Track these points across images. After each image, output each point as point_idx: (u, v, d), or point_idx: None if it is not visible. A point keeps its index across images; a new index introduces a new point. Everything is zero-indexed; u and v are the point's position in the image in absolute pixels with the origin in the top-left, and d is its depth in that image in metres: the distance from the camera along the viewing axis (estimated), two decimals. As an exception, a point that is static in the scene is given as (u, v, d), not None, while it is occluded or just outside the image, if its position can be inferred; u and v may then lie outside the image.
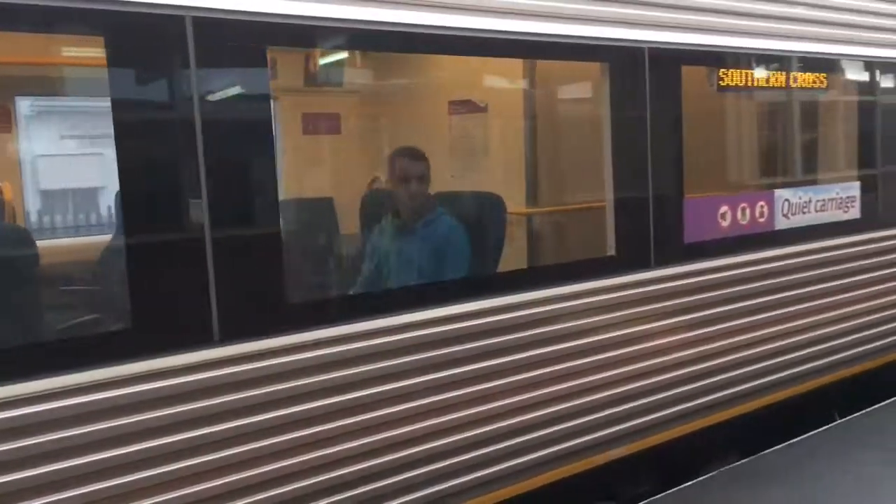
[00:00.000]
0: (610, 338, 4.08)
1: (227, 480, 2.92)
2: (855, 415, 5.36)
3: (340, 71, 6.12)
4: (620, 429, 4.11)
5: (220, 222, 2.89)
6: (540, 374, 3.78)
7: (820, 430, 5.07)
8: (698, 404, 4.50)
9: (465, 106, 5.62)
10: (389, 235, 4.14)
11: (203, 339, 2.86)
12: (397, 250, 4.06)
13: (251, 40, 2.96)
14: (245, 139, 3.03)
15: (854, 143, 5.72)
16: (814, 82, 5.24)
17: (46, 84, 5.34)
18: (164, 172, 2.84)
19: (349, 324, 3.20)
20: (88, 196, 14.39)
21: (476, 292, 3.63)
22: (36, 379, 2.54)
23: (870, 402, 5.59)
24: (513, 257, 4.49)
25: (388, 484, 3.30)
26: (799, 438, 4.93)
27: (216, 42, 2.85)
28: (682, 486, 4.28)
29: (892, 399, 5.63)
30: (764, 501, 4.17)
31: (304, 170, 6.36)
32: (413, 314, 3.38)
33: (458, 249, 3.97)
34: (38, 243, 4.03)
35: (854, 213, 5.44)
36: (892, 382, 6.13)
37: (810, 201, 5.20)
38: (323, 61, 5.87)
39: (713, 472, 4.39)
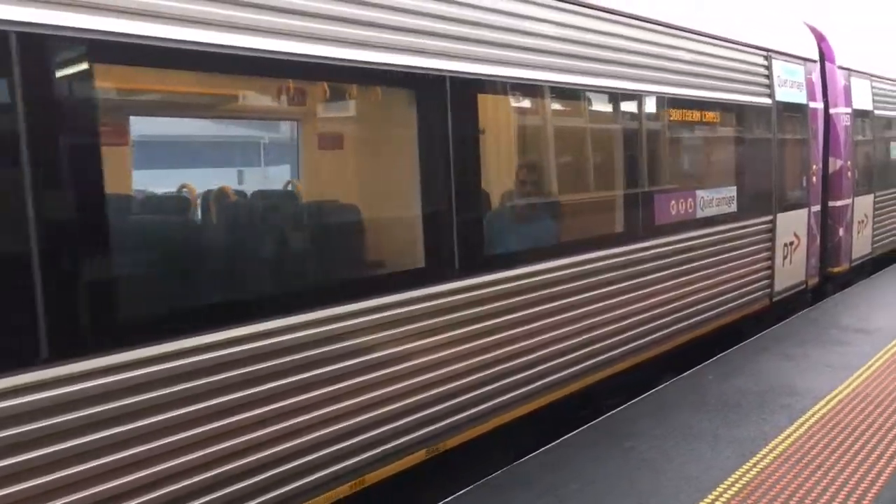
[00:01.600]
0: (423, 344, 4.36)
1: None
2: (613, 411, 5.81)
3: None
4: (423, 432, 4.40)
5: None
6: (349, 385, 3.97)
7: (577, 430, 5.42)
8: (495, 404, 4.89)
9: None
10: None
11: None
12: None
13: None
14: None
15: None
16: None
17: None
18: None
19: (170, 342, 3.22)
20: None
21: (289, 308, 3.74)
22: None
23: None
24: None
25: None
26: (556, 442, 5.24)
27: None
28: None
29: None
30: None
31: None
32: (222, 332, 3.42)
33: None
34: None
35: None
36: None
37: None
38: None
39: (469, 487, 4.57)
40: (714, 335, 7.34)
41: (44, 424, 2.81)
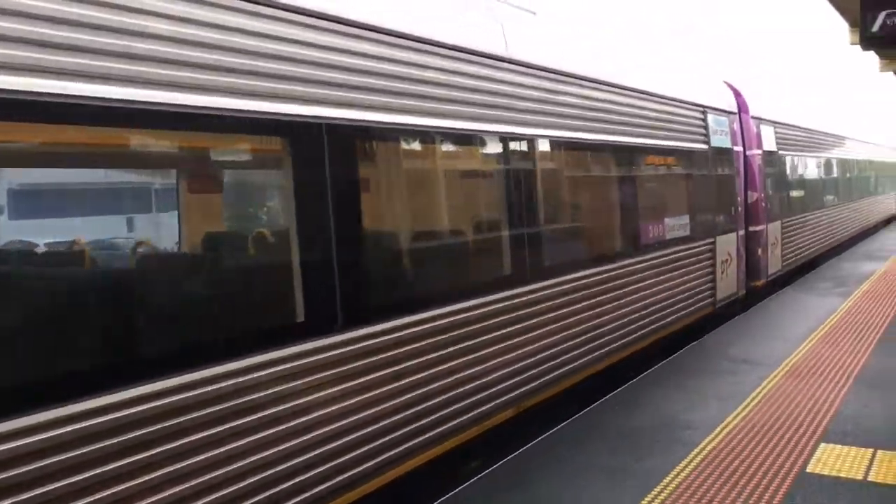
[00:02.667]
0: (310, 400, 4.25)
1: None
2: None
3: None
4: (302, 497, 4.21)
5: None
6: (229, 449, 3.80)
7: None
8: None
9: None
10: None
11: None
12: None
13: None
14: None
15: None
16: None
17: None
18: None
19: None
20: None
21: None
22: None
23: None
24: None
25: None
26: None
27: None
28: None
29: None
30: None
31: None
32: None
33: None
34: None
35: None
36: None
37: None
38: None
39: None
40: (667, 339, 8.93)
41: None
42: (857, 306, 11.21)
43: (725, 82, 12.12)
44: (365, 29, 4.79)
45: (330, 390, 4.41)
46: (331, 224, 4.46)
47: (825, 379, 7.39)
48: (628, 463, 5.52)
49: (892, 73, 15.03)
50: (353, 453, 4.55)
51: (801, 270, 15.03)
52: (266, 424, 4.01)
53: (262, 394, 3.98)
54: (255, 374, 3.95)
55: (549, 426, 6.40)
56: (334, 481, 4.41)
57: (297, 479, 4.16)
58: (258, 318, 4.19)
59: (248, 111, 4.00)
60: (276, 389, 4.05)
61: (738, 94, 12.13)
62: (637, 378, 7.75)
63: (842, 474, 5.20)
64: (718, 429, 6.14)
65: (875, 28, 6.86)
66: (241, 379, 3.87)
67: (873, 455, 5.49)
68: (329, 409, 4.39)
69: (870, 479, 5.11)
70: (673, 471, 5.33)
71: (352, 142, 4.72)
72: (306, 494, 4.24)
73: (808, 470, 5.29)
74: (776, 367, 7.93)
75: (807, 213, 15.78)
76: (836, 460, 5.43)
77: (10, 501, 2.95)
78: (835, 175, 19.34)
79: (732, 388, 7.23)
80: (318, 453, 4.32)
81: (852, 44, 10.78)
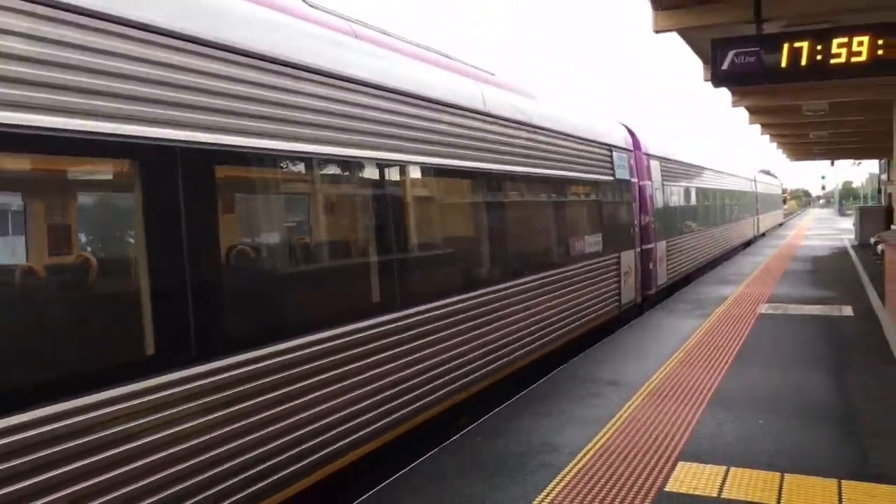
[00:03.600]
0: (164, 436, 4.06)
1: None
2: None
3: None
4: None
5: None
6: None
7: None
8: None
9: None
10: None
11: None
12: None
13: None
14: None
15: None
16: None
17: None
18: None
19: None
20: None
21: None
22: None
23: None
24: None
25: None
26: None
27: None
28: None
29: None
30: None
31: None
32: None
33: None
34: None
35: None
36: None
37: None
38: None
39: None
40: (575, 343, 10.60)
41: None
42: (713, 328, 11.78)
43: (622, 123, 14.49)
44: (215, 48, 4.61)
45: (182, 426, 4.17)
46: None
47: (683, 400, 7.68)
48: (493, 493, 5.50)
49: (743, 109, 16.07)
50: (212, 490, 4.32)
51: (684, 281, 18.20)
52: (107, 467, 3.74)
53: (102, 434, 3.71)
54: (96, 413, 3.68)
55: (418, 455, 6.33)
56: None
57: None
58: (100, 353, 3.90)
59: (88, 132, 3.75)
60: (118, 428, 3.79)
61: (632, 134, 14.54)
62: (506, 404, 7.80)
63: (698, 492, 5.37)
64: (583, 452, 6.23)
65: (725, 66, 7.28)
66: (77, 419, 3.59)
67: (727, 472, 5.70)
68: (180, 448, 4.15)
69: (723, 495, 5.30)
70: (537, 498, 5.35)
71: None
72: None
73: (667, 489, 5.43)
74: (639, 388, 8.19)
75: (685, 235, 18.95)
76: (692, 478, 5.61)
77: None
78: (706, 203, 22.62)
79: (597, 411, 7.39)
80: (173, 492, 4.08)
81: (705, 80, 11.44)
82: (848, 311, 13.24)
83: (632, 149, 14.16)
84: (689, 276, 19.29)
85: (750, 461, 5.92)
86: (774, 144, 28.22)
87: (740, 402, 7.55)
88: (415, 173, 6.84)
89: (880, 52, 6.86)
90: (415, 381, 6.54)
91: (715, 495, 5.31)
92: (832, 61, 6.98)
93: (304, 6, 6.20)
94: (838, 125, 19.01)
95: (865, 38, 6.83)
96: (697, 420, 6.99)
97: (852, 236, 32.53)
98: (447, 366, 7.07)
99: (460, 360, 7.32)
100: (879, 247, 20.75)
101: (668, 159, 17.15)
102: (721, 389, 8.05)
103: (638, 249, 14.02)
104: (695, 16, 8.11)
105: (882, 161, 34.35)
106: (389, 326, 6.19)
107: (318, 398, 5.32)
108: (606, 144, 12.51)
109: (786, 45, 7.12)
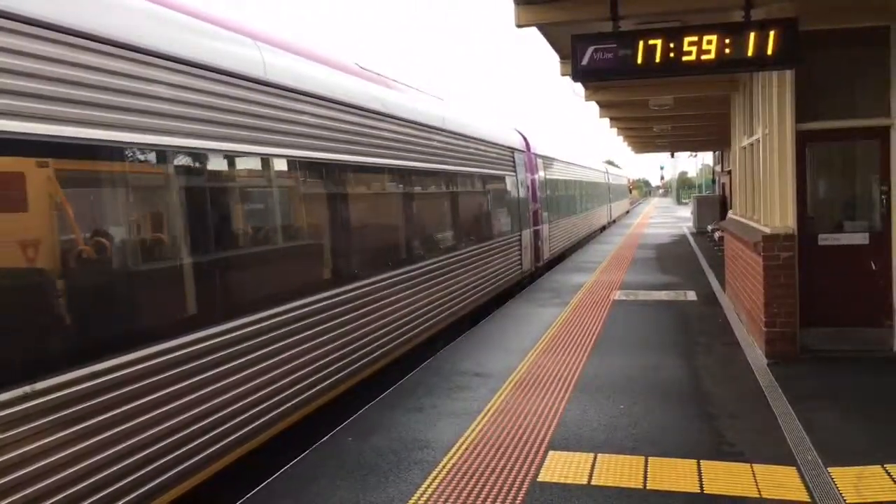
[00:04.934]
0: None
1: None
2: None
3: None
4: None
5: None
6: None
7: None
8: None
9: None
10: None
11: None
12: None
13: None
14: None
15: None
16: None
17: None
18: None
19: None
20: None
21: None
22: None
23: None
24: None
25: None
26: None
27: None
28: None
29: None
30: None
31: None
32: None
33: None
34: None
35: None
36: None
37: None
38: None
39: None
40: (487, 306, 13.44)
41: None
42: (571, 316, 12.15)
43: (517, 129, 18.18)
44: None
45: None
46: None
47: (549, 388, 7.84)
48: (368, 494, 5.37)
49: (594, 103, 16.65)
50: None
51: (559, 259, 22.00)
52: None
53: None
54: None
55: (290, 458, 6.10)
56: None
57: None
58: None
59: None
60: None
61: (525, 137, 18.25)
62: (373, 402, 7.67)
63: (569, 480, 5.46)
64: (455, 447, 6.21)
65: (584, 61, 7.43)
66: None
67: (594, 459, 5.84)
68: None
69: (593, 482, 5.41)
70: (413, 497, 5.26)
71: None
72: None
73: (539, 479, 5.50)
74: (506, 379, 8.28)
75: (561, 220, 22.84)
76: (563, 467, 5.70)
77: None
78: (574, 193, 26.99)
79: (466, 404, 7.40)
80: None
81: (563, 75, 11.73)
82: (692, 295, 14.04)
83: (525, 150, 17.65)
84: (563, 253, 23.05)
85: (616, 447, 6.09)
86: (621, 137, 29.61)
87: (602, 388, 7.79)
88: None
89: (727, 50, 7.24)
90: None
91: (585, 483, 5.42)
92: (684, 59, 7.30)
93: None
94: (680, 119, 20.13)
95: (714, 38, 7.18)
96: (564, 408, 7.14)
97: (691, 224, 34.66)
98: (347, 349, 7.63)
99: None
100: (716, 234, 22.20)
101: (548, 157, 21.04)
102: (584, 376, 8.28)
103: (531, 230, 17.78)
104: (555, 12, 8.25)
105: (716, 153, 36.79)
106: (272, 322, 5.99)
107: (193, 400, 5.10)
108: (510, 148, 16.09)
109: (641, 43, 7.37)
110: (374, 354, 8.26)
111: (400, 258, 9.32)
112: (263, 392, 6.08)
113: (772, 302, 8.59)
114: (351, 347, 7.64)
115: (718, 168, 35.36)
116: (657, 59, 7.35)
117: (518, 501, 5.13)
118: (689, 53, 7.27)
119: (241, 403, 5.76)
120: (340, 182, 7.76)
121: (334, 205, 7.64)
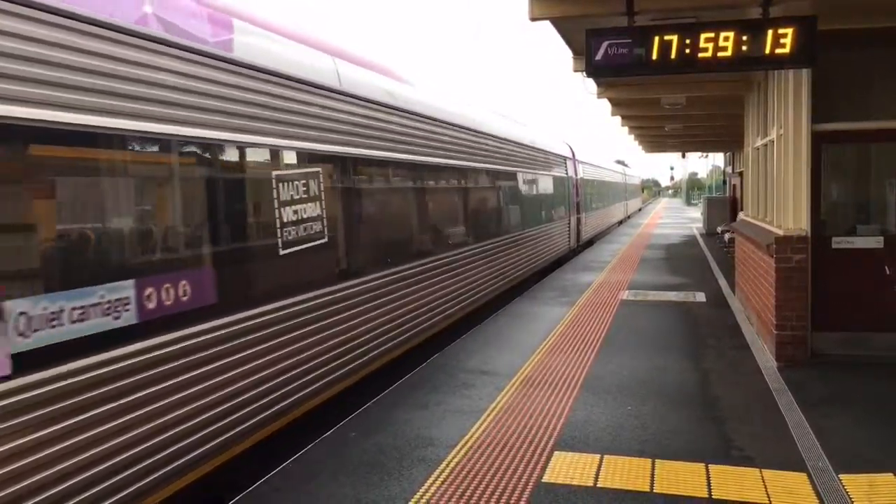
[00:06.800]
0: None
1: None
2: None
3: None
4: None
5: None
6: None
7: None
8: None
9: None
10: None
11: None
12: None
13: None
14: None
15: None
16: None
17: None
18: None
19: None
20: None
21: None
22: None
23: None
24: None
25: None
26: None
27: None
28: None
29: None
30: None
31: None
32: None
33: None
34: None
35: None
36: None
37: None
38: None
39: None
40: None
41: None
42: (579, 316, 12.04)
43: (566, 142, 24.23)
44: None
45: None
46: None
47: (555, 388, 7.74)
48: (369, 491, 5.28)
49: (607, 102, 16.51)
50: None
51: (587, 245, 26.77)
52: None
53: None
54: None
55: (291, 454, 6.02)
56: None
57: None
58: None
59: None
60: None
61: (571, 147, 24.44)
62: (377, 397, 7.59)
63: (574, 482, 5.37)
64: (460, 445, 6.12)
65: (599, 57, 7.32)
66: None
67: (601, 460, 5.75)
68: None
69: (599, 484, 5.32)
70: (415, 496, 5.18)
71: None
72: None
73: (544, 480, 5.40)
74: (512, 377, 8.19)
75: (592, 212, 28.24)
76: (568, 468, 5.61)
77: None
78: (602, 190, 32.96)
79: (471, 402, 7.31)
80: None
81: (575, 71, 11.60)
82: (701, 297, 13.91)
83: (572, 157, 23.75)
84: (592, 239, 28.23)
85: (622, 448, 5.99)
86: (632, 136, 29.45)
87: (609, 388, 7.69)
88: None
89: (744, 48, 7.10)
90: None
91: (591, 484, 5.32)
92: (700, 55, 7.16)
93: None
94: (692, 119, 19.97)
95: (731, 34, 7.04)
96: (570, 408, 7.05)
97: (700, 225, 34.45)
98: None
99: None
100: (726, 235, 22.04)
101: (585, 163, 26.96)
102: (590, 376, 8.18)
103: (576, 217, 23.81)
104: (569, 6, 8.13)
105: (727, 154, 36.57)
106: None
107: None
108: (563, 156, 22.02)
109: (656, 38, 7.24)
110: (476, 297, 12.17)
111: (503, 231, 14.31)
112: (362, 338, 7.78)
113: (783, 305, 8.47)
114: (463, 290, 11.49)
115: (729, 169, 35.16)
116: (672, 56, 7.22)
117: (522, 502, 5.04)
118: (706, 50, 7.14)
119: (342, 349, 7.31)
120: (473, 179, 12.48)
121: (462, 196, 11.93)
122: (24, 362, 3.74)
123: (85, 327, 4.13)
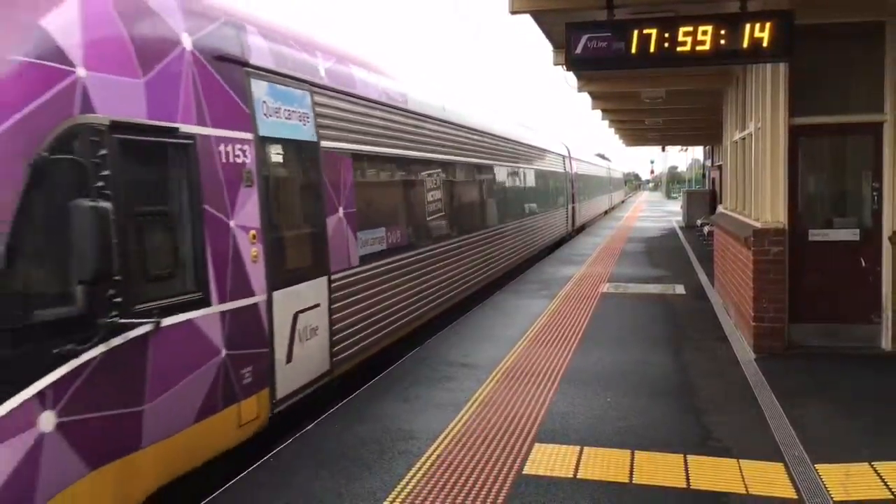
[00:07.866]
0: None
1: None
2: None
3: None
4: None
5: None
6: None
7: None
8: None
9: None
10: None
11: None
12: None
13: None
14: None
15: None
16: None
17: None
18: None
19: None
20: None
21: None
22: None
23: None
24: None
25: None
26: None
27: None
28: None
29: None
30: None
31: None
32: None
33: None
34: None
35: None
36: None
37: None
38: None
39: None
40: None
41: None
42: (560, 308, 12.10)
43: (563, 142, 28.19)
44: None
45: None
46: None
47: (536, 380, 7.78)
48: (351, 484, 5.29)
49: (586, 94, 16.56)
50: None
51: (577, 231, 30.33)
52: None
53: None
54: None
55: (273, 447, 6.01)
56: None
57: None
58: None
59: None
60: None
61: (567, 147, 28.44)
62: (361, 388, 7.59)
63: (555, 473, 5.40)
64: (441, 437, 6.14)
65: (578, 50, 7.34)
66: None
67: (581, 452, 5.79)
68: None
69: (579, 476, 5.35)
70: (396, 488, 5.19)
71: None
72: None
73: (525, 472, 5.43)
74: (493, 369, 8.22)
75: (584, 202, 32.14)
76: (549, 460, 5.64)
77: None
78: (592, 184, 37.23)
79: (452, 395, 7.33)
80: None
81: (555, 64, 11.63)
82: (681, 289, 14.01)
83: (568, 155, 27.68)
84: (583, 225, 32.21)
85: (602, 440, 6.04)
86: (613, 130, 29.65)
87: (589, 380, 7.74)
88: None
89: (722, 41, 7.15)
90: None
91: (571, 476, 5.36)
92: (678, 49, 7.21)
93: None
94: (672, 113, 20.08)
95: (709, 28, 7.09)
96: (551, 400, 7.09)
97: (680, 218, 34.68)
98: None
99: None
100: (705, 228, 22.22)
101: (578, 159, 31.01)
102: (571, 368, 8.23)
103: (572, 205, 27.83)
104: (549, 0, 8.16)
105: (707, 148, 36.80)
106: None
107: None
108: (562, 155, 25.92)
109: (636, 32, 7.27)
110: (519, 255, 17.45)
111: (525, 211, 18.48)
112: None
113: (760, 297, 8.56)
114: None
115: (709, 163, 35.42)
116: (651, 49, 7.26)
117: (503, 494, 5.07)
118: (684, 44, 7.19)
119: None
120: (512, 174, 17.17)
121: (508, 185, 16.70)
122: (360, 261, 7.98)
123: (374, 248, 8.51)
